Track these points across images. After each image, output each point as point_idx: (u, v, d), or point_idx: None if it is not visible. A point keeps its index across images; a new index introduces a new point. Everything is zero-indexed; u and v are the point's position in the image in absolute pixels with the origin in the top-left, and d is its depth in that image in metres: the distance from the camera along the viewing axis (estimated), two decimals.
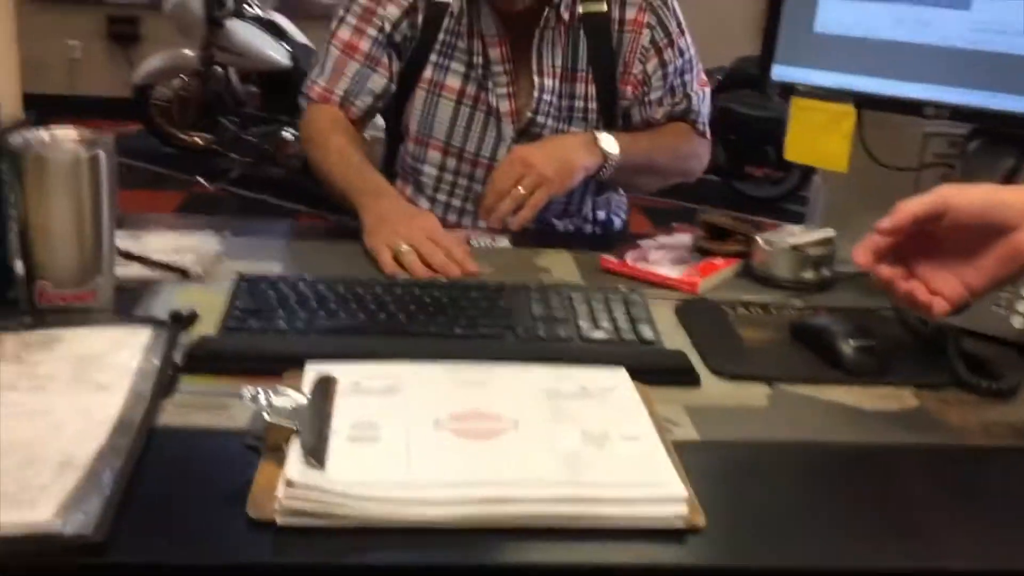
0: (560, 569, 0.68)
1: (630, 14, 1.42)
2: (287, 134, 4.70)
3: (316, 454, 0.71)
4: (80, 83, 6.23)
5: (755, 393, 0.92)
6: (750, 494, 0.78)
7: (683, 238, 1.29)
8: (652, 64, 1.44)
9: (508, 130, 1.43)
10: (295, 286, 1.01)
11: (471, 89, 1.42)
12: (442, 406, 0.80)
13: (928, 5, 1.09)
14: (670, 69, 1.44)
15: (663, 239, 1.30)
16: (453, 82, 1.42)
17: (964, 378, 0.95)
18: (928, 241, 0.86)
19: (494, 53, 1.40)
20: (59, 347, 0.84)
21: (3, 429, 0.72)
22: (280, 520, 0.66)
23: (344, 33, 1.42)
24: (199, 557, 0.64)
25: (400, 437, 0.75)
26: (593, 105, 1.44)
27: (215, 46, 4.82)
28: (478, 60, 1.41)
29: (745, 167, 5.01)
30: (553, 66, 1.42)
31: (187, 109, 5.16)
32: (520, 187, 1.24)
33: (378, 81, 1.43)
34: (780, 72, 1.18)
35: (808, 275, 1.19)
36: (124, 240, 1.15)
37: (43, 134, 0.89)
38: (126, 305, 0.99)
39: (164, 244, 1.16)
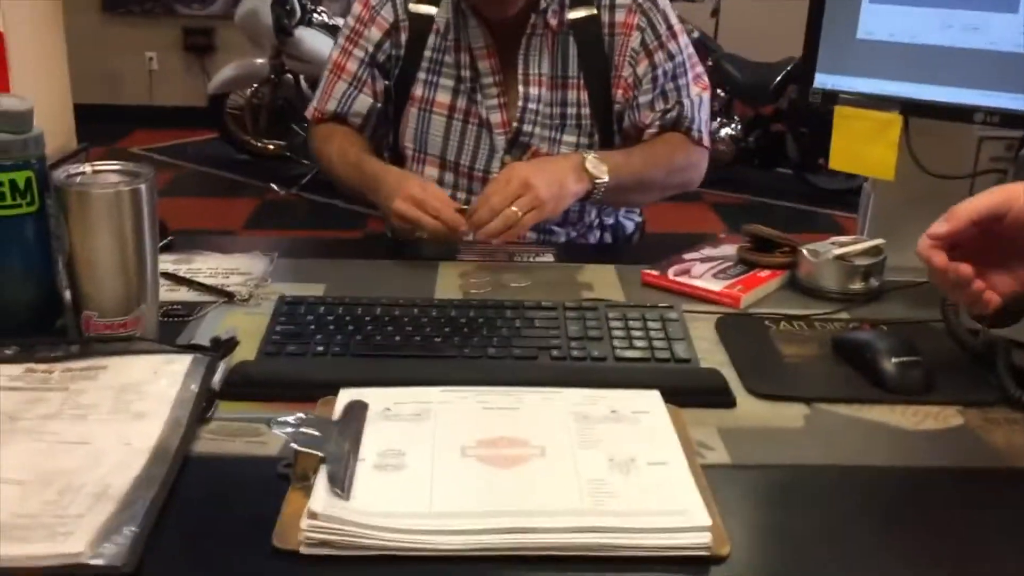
0: None
1: (620, 17, 1.41)
2: None
3: (342, 484, 0.72)
4: (158, 94, 6.42)
5: (792, 414, 0.91)
6: (778, 520, 0.77)
7: (728, 249, 1.27)
8: (642, 67, 1.42)
9: (500, 141, 1.43)
10: (334, 308, 1.03)
11: (461, 103, 1.44)
12: (470, 432, 0.81)
13: (976, 9, 1.05)
14: (659, 72, 1.42)
15: (708, 251, 1.28)
16: (443, 97, 1.44)
17: (1012, 394, 0.92)
18: (984, 239, 0.84)
19: (483, 65, 1.42)
20: (102, 376, 0.87)
21: (46, 459, 0.75)
22: (304, 550, 0.68)
23: (335, 54, 1.49)
24: None
25: (425, 465, 0.76)
26: (586, 111, 1.43)
27: (285, 54, 4.92)
28: (466, 73, 1.43)
29: (817, 159, 4.92)
30: (540, 74, 1.42)
31: (259, 116, 5.28)
32: (515, 207, 1.23)
33: (364, 101, 1.47)
34: (823, 80, 1.16)
35: (856, 286, 1.17)
36: (174, 264, 1.19)
37: (86, 168, 0.92)
38: (172, 329, 1.02)
39: (214, 266, 1.20)
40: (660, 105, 1.44)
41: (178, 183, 5.24)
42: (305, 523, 0.69)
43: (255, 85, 5.19)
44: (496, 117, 1.43)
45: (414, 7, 1.43)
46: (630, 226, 1.62)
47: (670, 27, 1.43)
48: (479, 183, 1.45)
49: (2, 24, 1.44)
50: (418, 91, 1.45)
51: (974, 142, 1.22)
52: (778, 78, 4.91)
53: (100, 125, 5.76)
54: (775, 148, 5.16)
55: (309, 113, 1.53)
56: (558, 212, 1.30)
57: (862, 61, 1.13)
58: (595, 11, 1.41)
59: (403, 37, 1.45)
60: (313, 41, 4.84)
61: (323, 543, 0.68)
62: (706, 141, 1.49)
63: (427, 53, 1.44)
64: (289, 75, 5.06)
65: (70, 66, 1.84)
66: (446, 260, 1.27)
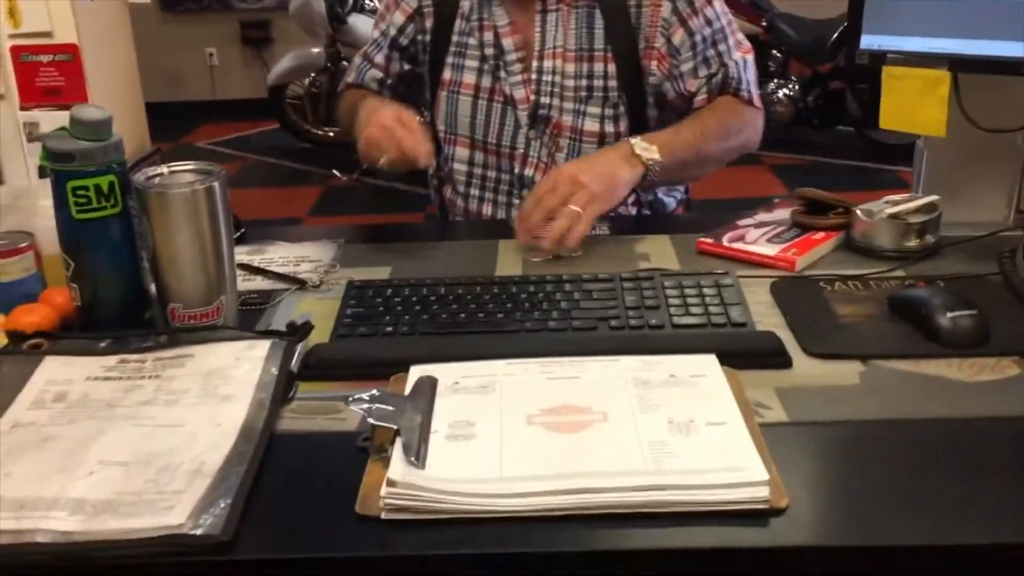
0: (645, 552, 0.71)
1: None
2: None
3: (416, 453, 0.77)
4: (220, 88, 6.56)
5: (848, 371, 0.93)
6: (836, 474, 0.80)
7: (782, 214, 1.29)
8: (678, 36, 1.41)
9: (522, 116, 1.46)
10: (400, 290, 1.08)
11: (486, 82, 1.47)
12: (534, 401, 0.85)
13: None
14: (698, 39, 1.41)
15: (762, 216, 1.30)
16: (469, 78, 1.48)
17: None
18: None
19: (507, 42, 1.45)
20: (190, 363, 0.93)
21: (144, 442, 0.82)
22: (384, 516, 0.73)
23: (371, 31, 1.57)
24: (313, 551, 0.71)
25: (494, 433, 0.81)
26: (613, 83, 1.43)
27: (340, 42, 4.99)
28: (490, 52, 1.45)
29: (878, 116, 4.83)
30: (564, 48, 1.43)
31: (318, 105, 5.36)
32: (571, 205, 1.21)
33: (374, 74, 1.55)
34: (869, 41, 1.16)
35: (911, 243, 1.18)
36: (248, 255, 1.25)
37: (163, 169, 0.98)
38: (250, 318, 1.08)
39: (285, 255, 1.26)
40: (704, 71, 1.43)
41: (243, 174, 5.36)
42: (384, 491, 0.73)
43: (312, 74, 5.28)
44: (520, 92, 1.46)
45: None
46: (671, 203, 1.60)
47: None
48: (506, 159, 1.49)
49: (77, 37, 1.52)
50: (447, 75, 1.50)
51: None
52: (835, 35, 4.82)
53: (166, 121, 5.90)
54: (835, 106, 5.08)
55: (341, 86, 1.62)
56: (615, 203, 1.29)
57: (907, 19, 1.13)
58: None
59: (428, 23, 1.50)
60: (366, 27, 4.87)
61: (402, 509, 0.73)
62: (756, 101, 1.47)
63: (454, 37, 1.48)
64: (345, 62, 5.12)
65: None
66: (506, 239, 1.31)
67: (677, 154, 1.33)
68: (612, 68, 1.43)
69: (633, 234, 1.31)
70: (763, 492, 0.73)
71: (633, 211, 1.53)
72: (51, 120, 1.54)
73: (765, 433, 0.81)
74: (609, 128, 1.45)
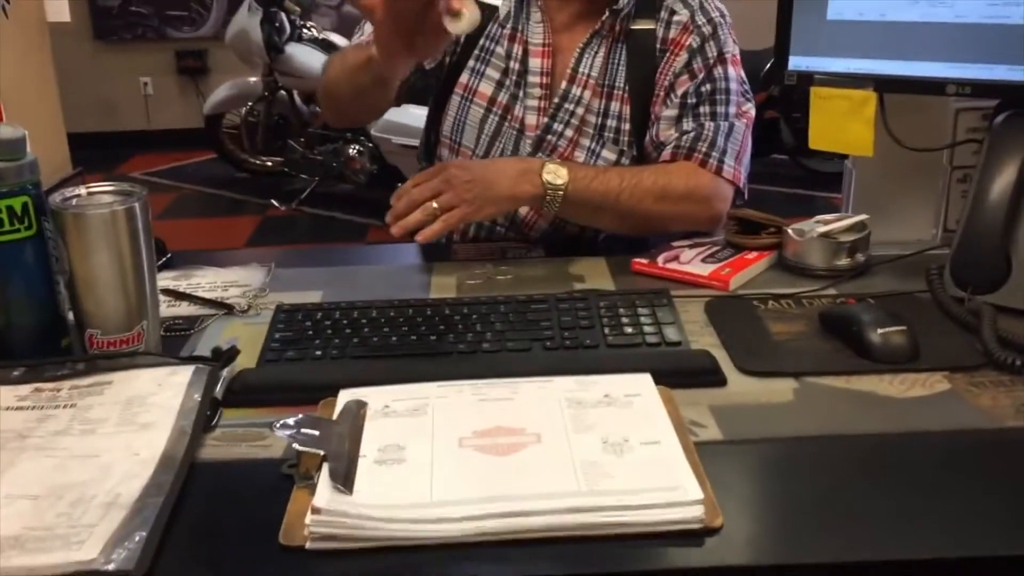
0: None
1: (673, 33, 1.36)
2: (352, 150, 4.80)
3: (343, 479, 0.75)
4: (154, 118, 6.46)
5: (781, 388, 0.93)
6: (771, 491, 0.79)
7: (716, 235, 1.29)
8: (680, 85, 1.35)
9: (527, 144, 1.40)
10: (331, 313, 1.05)
11: (502, 98, 1.40)
12: (466, 424, 0.83)
13: None
14: (692, 90, 1.35)
15: (696, 237, 1.30)
16: (486, 89, 1.41)
17: (996, 355, 0.94)
18: None
19: (534, 63, 1.38)
20: (108, 390, 0.90)
21: (57, 473, 0.78)
22: (309, 545, 0.70)
23: None
24: None
25: (425, 457, 0.79)
26: (626, 126, 1.38)
27: (277, 71, 4.96)
28: (515, 66, 1.39)
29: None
30: (590, 76, 1.37)
31: (255, 134, 5.31)
32: (435, 203, 1.21)
33: None
34: (796, 63, 1.18)
35: (842, 262, 1.19)
36: (174, 280, 1.22)
37: (81, 191, 0.95)
38: (174, 344, 1.04)
39: (212, 280, 1.22)
40: (684, 126, 1.35)
41: (179, 205, 5.28)
42: (309, 519, 0.71)
43: (250, 103, 5.23)
44: (532, 119, 1.39)
45: None
46: None
47: (721, 54, 1.36)
48: None
49: None
50: (464, 78, 1.42)
51: (951, 114, 1.24)
52: (767, 65, 4.92)
53: (99, 151, 5.84)
54: (769, 135, 5.18)
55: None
56: (486, 215, 1.26)
57: (834, 41, 1.15)
58: (654, 26, 1.37)
59: None
60: (305, 56, 4.87)
61: (328, 537, 0.70)
62: (728, 171, 1.33)
63: (482, 41, 1.41)
64: (283, 91, 5.09)
65: (65, 96, 1.87)
66: (440, 261, 1.30)
67: (588, 193, 1.27)
68: (627, 110, 1.38)
69: (568, 255, 1.31)
70: (697, 512, 0.72)
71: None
72: None
73: (700, 451, 0.80)
74: None
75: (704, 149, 1.33)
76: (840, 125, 1.16)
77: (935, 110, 1.22)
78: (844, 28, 1.14)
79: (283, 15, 4.88)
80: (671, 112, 1.36)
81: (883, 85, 1.13)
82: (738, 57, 1.39)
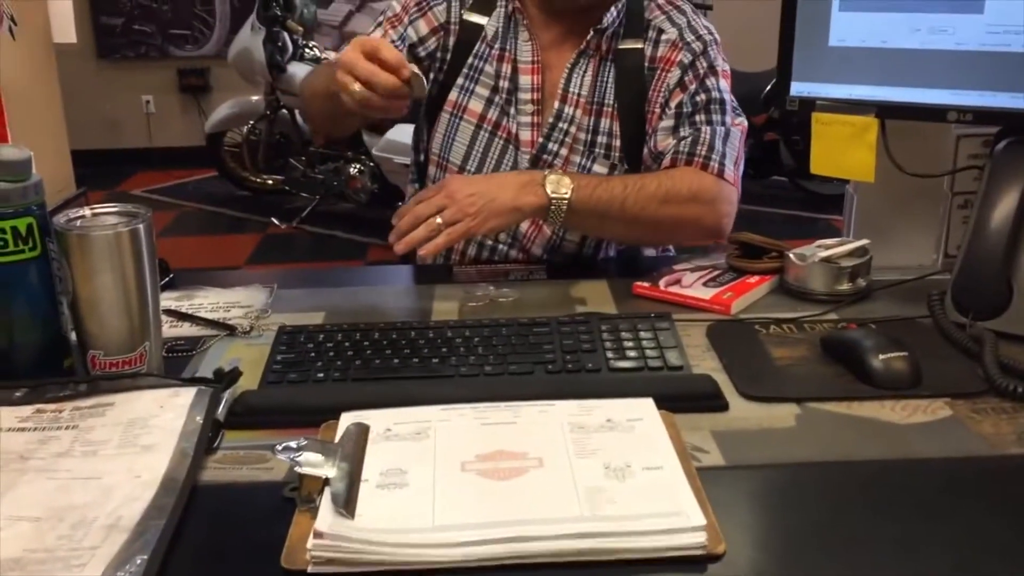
0: None
1: (662, 51, 1.39)
2: (353, 169, 4.82)
3: (345, 503, 0.75)
4: (156, 136, 6.48)
5: (783, 414, 0.93)
6: (773, 517, 0.79)
7: (717, 258, 1.30)
8: (674, 98, 1.37)
9: (524, 159, 1.42)
10: (333, 335, 1.05)
11: (492, 115, 1.42)
12: (469, 448, 0.83)
13: (942, 12, 1.08)
14: (686, 100, 1.37)
15: (698, 260, 1.31)
16: (475, 106, 1.43)
17: (999, 383, 0.94)
18: None
19: (524, 80, 1.41)
20: (110, 412, 0.90)
21: (59, 495, 0.78)
22: (311, 569, 0.70)
23: (372, 31, 1.45)
24: None
25: (427, 481, 0.78)
26: (617, 143, 1.40)
27: (279, 90, 4.97)
28: (504, 84, 1.41)
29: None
30: (580, 95, 1.40)
31: (257, 153, 5.32)
32: (439, 217, 1.21)
33: None
34: (799, 88, 1.18)
35: (843, 287, 1.19)
36: (176, 300, 1.22)
37: (86, 212, 0.95)
38: (176, 365, 1.04)
39: (215, 301, 1.23)
40: (681, 132, 1.36)
41: (180, 222, 5.28)
42: (311, 543, 0.71)
43: (251, 122, 5.24)
44: (526, 135, 1.41)
45: (468, 15, 1.43)
46: (649, 249, 1.54)
47: (712, 67, 1.38)
48: None
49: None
50: (453, 96, 1.44)
51: (952, 141, 1.24)
52: (768, 87, 4.95)
53: (101, 169, 5.86)
54: (769, 157, 5.20)
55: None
56: (491, 228, 1.25)
57: (836, 67, 1.16)
58: (642, 45, 1.39)
59: (451, 41, 1.43)
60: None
61: (329, 561, 0.70)
62: (729, 174, 1.34)
63: (470, 60, 1.43)
64: (284, 110, 5.10)
65: (68, 113, 1.88)
66: (442, 283, 1.30)
67: (593, 201, 1.27)
68: (616, 127, 1.40)
69: (570, 278, 1.31)
70: (700, 538, 0.72)
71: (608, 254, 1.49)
72: None
73: (702, 477, 0.80)
74: None
75: (704, 152, 1.33)
76: (841, 151, 1.16)
77: (936, 137, 1.23)
78: (846, 54, 1.15)
79: (285, 34, 4.90)
80: (667, 123, 1.37)
81: (885, 111, 1.13)
82: (728, 73, 1.42)
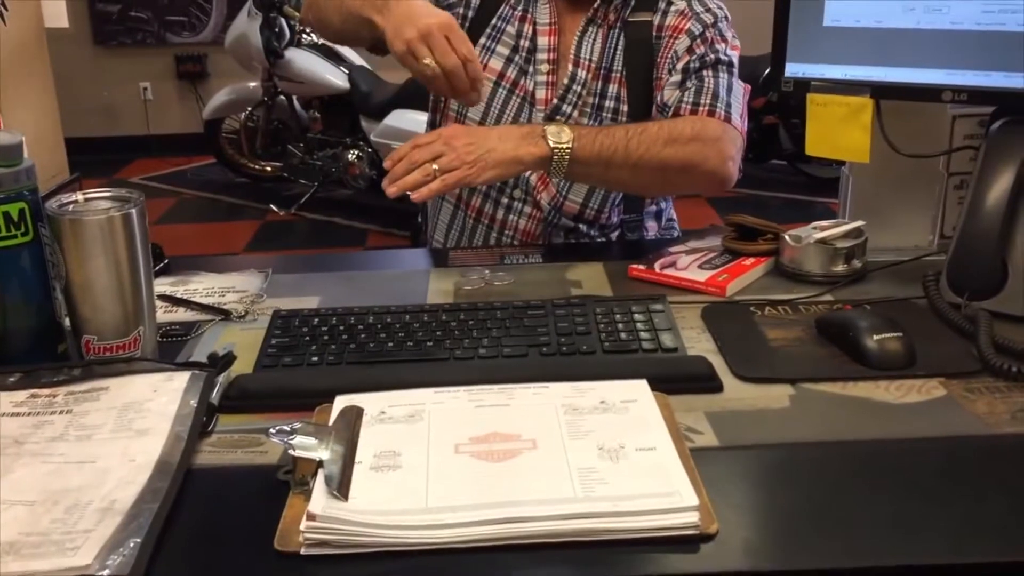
0: None
1: (670, 20, 1.41)
2: (351, 156, 4.81)
3: (339, 485, 0.75)
4: (154, 123, 6.46)
5: (777, 395, 0.93)
6: (766, 497, 0.79)
7: (713, 240, 1.30)
8: (681, 60, 1.38)
9: (538, 117, 1.44)
10: (327, 319, 1.05)
11: (512, 73, 1.45)
12: (462, 430, 0.83)
13: None
14: (694, 59, 1.37)
15: (693, 243, 1.30)
16: (496, 64, 1.46)
17: (992, 361, 0.94)
18: None
19: (542, 40, 1.44)
20: (104, 396, 0.90)
21: (53, 479, 0.78)
22: (304, 551, 0.70)
23: None
24: None
25: (420, 463, 0.79)
26: (624, 107, 1.43)
27: (276, 76, 4.96)
28: (524, 44, 1.44)
29: None
30: (590, 60, 1.43)
31: (255, 139, 5.32)
32: (435, 164, 1.18)
33: None
34: (793, 69, 1.18)
35: (839, 268, 1.19)
36: (171, 286, 1.22)
37: (78, 197, 0.95)
38: (171, 349, 1.04)
39: (210, 286, 1.22)
40: (686, 85, 1.36)
41: (179, 209, 5.28)
42: (304, 525, 0.71)
43: (249, 108, 5.23)
44: (541, 93, 1.44)
45: None
46: (651, 233, 1.56)
47: (722, 36, 1.39)
48: None
49: None
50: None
51: (947, 121, 1.24)
52: (767, 71, 4.93)
53: (99, 156, 5.85)
54: (768, 141, 5.19)
55: None
56: (486, 178, 1.22)
57: (831, 48, 1.15)
58: (651, 17, 1.42)
59: (475, 1, 1.47)
60: (304, 61, 4.87)
61: (322, 543, 0.70)
62: (735, 120, 1.34)
63: (493, 21, 1.46)
64: (282, 96, 5.09)
65: (65, 101, 1.88)
66: (437, 267, 1.30)
67: (596, 147, 1.25)
68: (624, 92, 1.42)
69: (565, 261, 1.31)
70: (693, 518, 0.72)
71: (616, 235, 1.50)
72: None
73: (696, 457, 0.80)
74: None
75: (708, 101, 1.33)
76: (837, 132, 1.16)
77: (931, 117, 1.22)
78: (840, 35, 1.14)
79: (283, 20, 4.87)
80: (674, 79, 1.38)
81: (880, 92, 1.13)
82: (738, 47, 1.42)
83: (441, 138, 1.21)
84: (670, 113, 1.36)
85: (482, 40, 1.46)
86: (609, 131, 1.28)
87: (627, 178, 1.31)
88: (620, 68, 1.42)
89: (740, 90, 1.38)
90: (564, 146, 1.23)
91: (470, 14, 1.47)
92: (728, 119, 1.33)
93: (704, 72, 1.36)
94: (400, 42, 1.20)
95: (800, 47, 1.17)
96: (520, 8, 1.45)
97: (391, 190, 1.19)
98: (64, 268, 0.93)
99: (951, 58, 1.09)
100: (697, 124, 1.31)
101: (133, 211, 0.94)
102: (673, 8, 1.41)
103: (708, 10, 1.41)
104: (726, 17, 1.42)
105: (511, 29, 1.45)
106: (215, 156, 5.50)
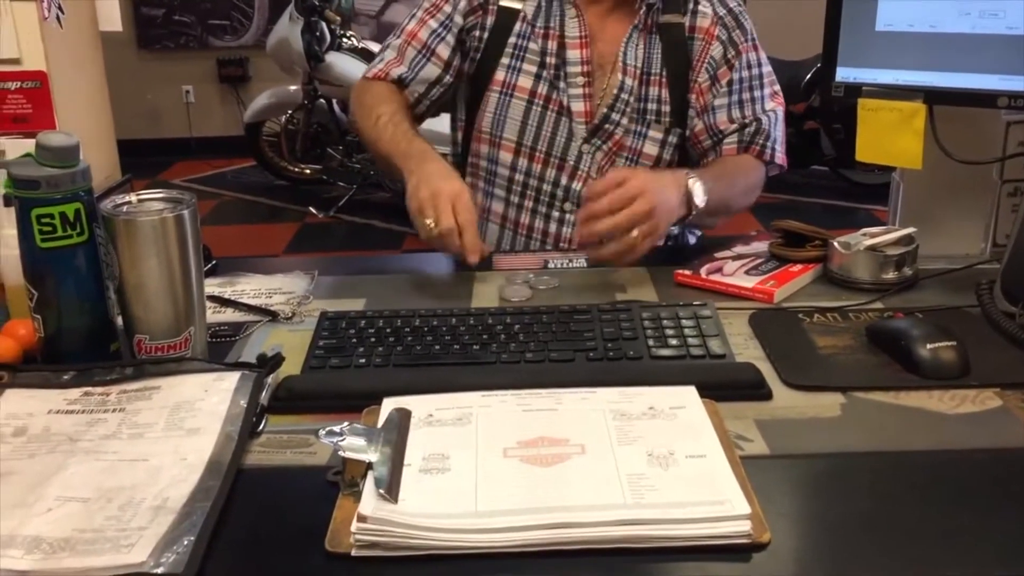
0: None
1: (702, 23, 1.46)
2: None
3: (389, 487, 0.75)
4: (196, 125, 6.54)
5: (828, 403, 0.92)
6: (818, 507, 0.78)
7: (759, 246, 1.29)
8: (721, 75, 1.46)
9: (580, 129, 1.46)
10: (374, 321, 1.06)
11: (542, 89, 1.47)
12: (511, 434, 0.83)
13: None
14: (735, 78, 1.45)
15: (740, 248, 1.29)
16: (525, 83, 1.47)
17: None
18: None
19: (573, 54, 1.45)
20: (156, 395, 0.91)
21: (107, 476, 0.79)
22: (355, 552, 0.70)
23: (410, 25, 1.50)
24: None
25: (469, 467, 0.79)
26: (667, 108, 1.46)
27: (317, 80, 5.00)
28: (551, 60, 1.45)
29: (853, 155, 4.89)
30: (636, 66, 1.45)
31: (295, 142, 5.36)
32: (635, 232, 1.16)
33: (431, 70, 1.48)
34: (844, 74, 1.17)
35: (889, 276, 1.17)
36: (219, 287, 1.23)
37: (132, 198, 0.96)
38: (220, 350, 1.05)
39: (257, 287, 1.24)
40: (737, 115, 1.46)
41: (219, 211, 5.33)
42: (355, 526, 0.71)
43: (289, 112, 5.28)
44: (579, 106, 1.46)
45: (504, 1, 1.47)
46: (692, 239, 1.60)
47: (748, 39, 1.47)
48: (554, 170, 1.48)
49: (46, 64, 1.50)
50: (500, 75, 1.48)
51: (1002, 127, 1.22)
52: (808, 75, 4.89)
53: (142, 159, 5.92)
54: (809, 146, 5.14)
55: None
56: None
57: (883, 52, 1.14)
58: (681, 19, 1.46)
59: (489, 21, 1.48)
60: (344, 65, 4.90)
61: (373, 545, 0.70)
62: (779, 158, 1.48)
63: (511, 39, 1.47)
64: (322, 100, 5.13)
65: (110, 103, 1.90)
66: (482, 270, 1.30)
67: (712, 203, 1.30)
68: (665, 94, 1.46)
69: (610, 266, 1.30)
70: (745, 526, 0.71)
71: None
72: (17, 148, 1.51)
73: (746, 466, 0.79)
74: (666, 155, 1.48)
75: (761, 142, 1.46)
76: (888, 137, 1.14)
77: (985, 123, 1.20)
78: (893, 39, 1.13)
79: (323, 24, 4.92)
80: (722, 100, 1.46)
81: (933, 97, 1.12)
82: (758, 42, 1.50)
83: (645, 196, 1.16)
84: (729, 144, 1.46)
85: (504, 60, 1.47)
86: (716, 184, 1.31)
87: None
88: (659, 70, 1.45)
89: (780, 114, 1.49)
90: (699, 207, 1.27)
91: (485, 35, 1.48)
92: (772, 158, 1.47)
93: (745, 96, 1.45)
94: (415, 200, 1.24)
95: (851, 52, 1.16)
96: (540, 25, 1.46)
97: (589, 255, 1.28)
98: (118, 268, 0.94)
99: (1007, 63, 1.07)
100: (756, 173, 1.47)
101: (185, 212, 0.95)
102: (700, 9, 1.46)
103: (729, 11, 1.47)
104: (742, 7, 1.47)
105: (534, 47, 1.46)
106: (255, 159, 5.55)
